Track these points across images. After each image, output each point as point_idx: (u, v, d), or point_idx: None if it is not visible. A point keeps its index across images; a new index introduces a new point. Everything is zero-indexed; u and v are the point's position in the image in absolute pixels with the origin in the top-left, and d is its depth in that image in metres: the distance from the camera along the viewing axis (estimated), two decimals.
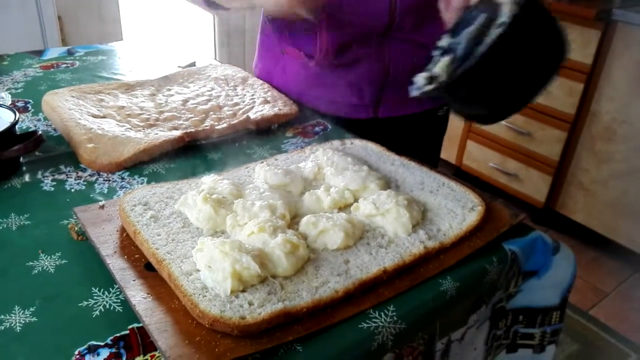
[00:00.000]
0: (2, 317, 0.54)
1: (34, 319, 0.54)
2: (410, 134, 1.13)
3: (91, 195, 0.76)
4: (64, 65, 1.25)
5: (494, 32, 0.64)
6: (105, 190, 0.77)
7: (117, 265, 0.59)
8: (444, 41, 0.74)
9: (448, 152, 2.61)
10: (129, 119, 0.94)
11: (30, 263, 0.61)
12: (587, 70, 2.03)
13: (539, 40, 0.65)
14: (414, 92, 0.70)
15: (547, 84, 0.67)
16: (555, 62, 0.67)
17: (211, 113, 0.98)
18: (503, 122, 2.31)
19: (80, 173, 0.81)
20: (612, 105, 2.02)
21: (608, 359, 1.74)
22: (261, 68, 1.18)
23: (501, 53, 0.63)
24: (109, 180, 0.80)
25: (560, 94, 2.12)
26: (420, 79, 0.71)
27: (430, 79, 0.70)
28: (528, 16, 0.63)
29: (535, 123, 2.23)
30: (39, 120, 0.97)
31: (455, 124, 2.49)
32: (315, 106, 1.08)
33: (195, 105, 1.01)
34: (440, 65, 0.70)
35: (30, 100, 1.04)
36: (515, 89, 0.68)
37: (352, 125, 1.03)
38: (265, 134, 0.97)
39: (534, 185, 2.32)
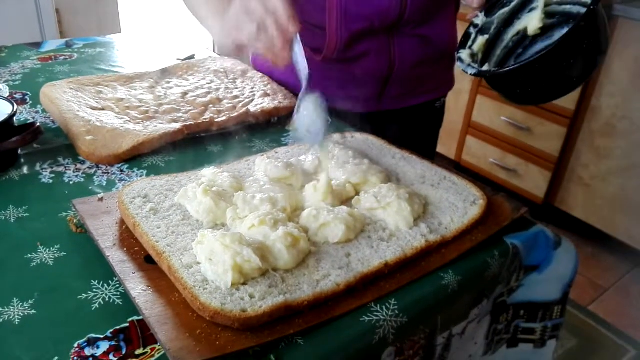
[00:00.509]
0: (1, 309, 0.53)
1: (33, 311, 0.53)
2: (408, 126, 1.13)
3: (90, 188, 0.75)
4: (62, 58, 1.24)
5: (557, 34, 0.69)
6: (104, 183, 0.77)
7: (117, 258, 0.58)
8: (479, 19, 0.77)
9: (447, 148, 2.60)
10: (128, 111, 0.93)
11: (29, 255, 0.61)
12: None
13: (600, 32, 0.66)
14: (469, 71, 0.72)
15: (592, 73, 0.70)
16: (602, 52, 0.69)
17: (210, 106, 0.97)
18: (502, 118, 2.31)
19: (79, 165, 0.80)
20: (612, 101, 2.01)
21: (607, 355, 1.74)
22: (261, 62, 1.18)
23: (570, 44, 0.64)
24: (108, 173, 0.79)
25: None
26: (464, 55, 0.75)
27: (472, 57, 0.75)
28: (594, 14, 0.64)
29: (535, 118, 2.22)
30: (37, 112, 0.96)
31: (455, 119, 2.49)
32: None
33: (194, 97, 1.00)
34: (478, 44, 0.76)
35: (29, 92, 1.04)
36: (567, 78, 0.69)
37: (353, 118, 1.03)
38: (265, 127, 0.96)
39: (533, 181, 2.32)
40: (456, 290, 0.61)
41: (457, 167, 2.56)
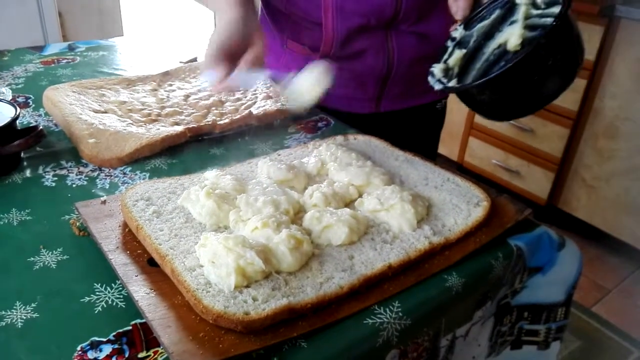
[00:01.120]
0: (3, 313, 0.53)
1: (36, 315, 0.53)
2: (409, 127, 1.12)
3: (93, 191, 0.75)
4: (64, 61, 1.25)
5: (527, 38, 0.64)
6: (107, 186, 0.77)
7: (120, 261, 0.58)
8: (457, 32, 0.75)
9: (450, 149, 2.60)
10: (131, 114, 0.93)
11: (32, 258, 0.61)
12: (590, 67, 2.02)
13: (568, 47, 0.64)
14: (436, 86, 0.71)
15: (566, 88, 0.67)
16: (574, 67, 0.66)
17: (213, 108, 0.97)
18: None
19: (81, 168, 0.80)
20: (615, 102, 2.01)
21: (610, 356, 1.73)
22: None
23: (533, 61, 0.62)
24: (111, 176, 0.79)
25: None
26: (437, 70, 0.73)
27: (446, 71, 0.73)
28: (563, 25, 0.62)
29: (538, 120, 2.22)
30: (39, 115, 0.96)
31: (457, 120, 2.48)
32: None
33: (197, 100, 1.00)
34: (454, 59, 0.73)
35: (31, 96, 1.04)
36: (537, 94, 0.67)
37: (353, 120, 1.02)
38: (267, 130, 0.96)
39: (536, 182, 2.31)
40: (460, 292, 0.61)
41: (460, 169, 2.56)
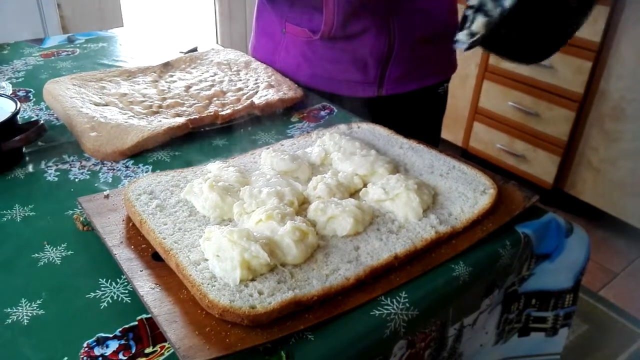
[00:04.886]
0: (9, 310, 0.53)
1: (41, 311, 0.53)
2: (411, 112, 1.11)
3: (96, 185, 0.75)
4: (64, 53, 1.24)
5: None
6: (110, 180, 0.76)
7: (124, 256, 0.58)
8: (474, 0, 0.74)
9: (454, 134, 2.58)
10: (132, 106, 0.92)
11: (36, 255, 0.61)
12: (596, 48, 1.99)
13: None
14: (461, 46, 0.71)
15: (585, 18, 0.68)
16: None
17: (215, 99, 0.97)
18: (510, 103, 2.29)
19: (84, 162, 0.80)
20: (621, 83, 1.98)
21: (617, 340, 1.73)
22: (261, 51, 1.16)
23: None
24: (114, 169, 0.79)
25: (568, 72, 2.09)
26: (462, 36, 0.72)
27: (471, 36, 0.72)
28: None
29: (543, 103, 2.20)
30: (40, 109, 0.96)
31: (462, 105, 2.46)
32: (319, 86, 1.06)
33: (198, 91, 0.99)
34: (477, 24, 0.72)
35: (32, 90, 1.03)
36: (556, 24, 0.68)
37: (356, 105, 1.01)
38: (270, 119, 0.95)
39: (542, 166, 2.30)
40: (467, 281, 0.60)
41: (465, 154, 2.54)
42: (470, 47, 0.70)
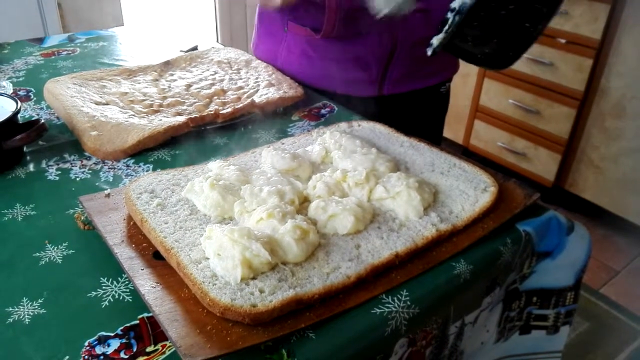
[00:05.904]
0: (11, 309, 0.53)
1: (43, 310, 0.53)
2: (413, 111, 1.11)
3: (97, 184, 0.75)
4: (64, 53, 1.24)
5: None
6: (111, 179, 0.76)
7: (125, 255, 0.58)
8: (455, 2, 0.73)
9: (455, 132, 2.58)
10: (132, 105, 0.92)
11: (37, 254, 0.61)
12: (596, 46, 1.99)
13: None
14: (430, 49, 0.71)
15: (552, 17, 0.67)
16: None
17: (215, 97, 0.97)
18: (510, 101, 2.28)
19: (85, 161, 0.80)
20: (622, 81, 1.98)
21: (619, 337, 1.73)
22: (263, 50, 1.16)
23: None
24: (114, 168, 0.79)
25: (568, 70, 2.09)
26: (435, 40, 0.72)
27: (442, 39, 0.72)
28: None
29: (544, 101, 2.20)
30: (41, 108, 0.96)
31: (462, 103, 2.46)
32: (320, 84, 1.06)
33: (198, 90, 0.99)
34: (450, 24, 0.72)
35: (32, 89, 1.03)
36: (523, 23, 0.67)
37: (357, 104, 1.01)
38: (270, 118, 0.95)
39: (543, 164, 2.29)
40: (468, 279, 0.60)
41: (465, 152, 2.54)
42: (434, 51, 0.70)
